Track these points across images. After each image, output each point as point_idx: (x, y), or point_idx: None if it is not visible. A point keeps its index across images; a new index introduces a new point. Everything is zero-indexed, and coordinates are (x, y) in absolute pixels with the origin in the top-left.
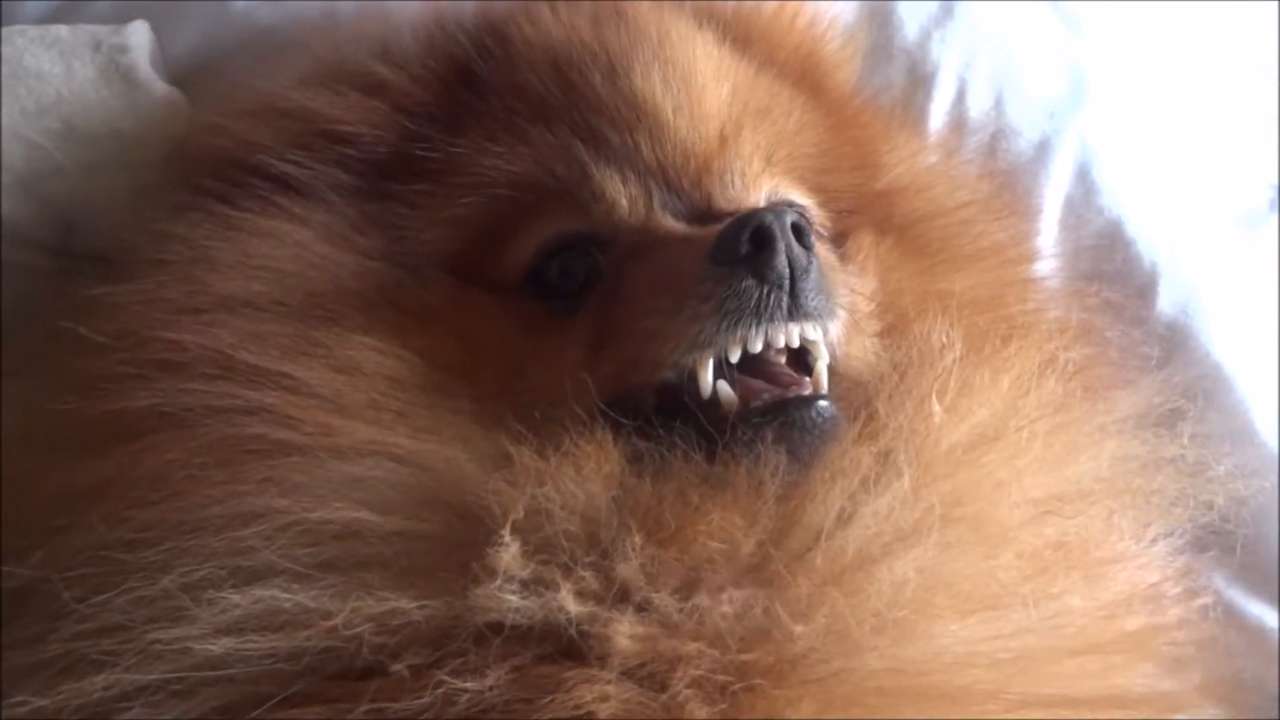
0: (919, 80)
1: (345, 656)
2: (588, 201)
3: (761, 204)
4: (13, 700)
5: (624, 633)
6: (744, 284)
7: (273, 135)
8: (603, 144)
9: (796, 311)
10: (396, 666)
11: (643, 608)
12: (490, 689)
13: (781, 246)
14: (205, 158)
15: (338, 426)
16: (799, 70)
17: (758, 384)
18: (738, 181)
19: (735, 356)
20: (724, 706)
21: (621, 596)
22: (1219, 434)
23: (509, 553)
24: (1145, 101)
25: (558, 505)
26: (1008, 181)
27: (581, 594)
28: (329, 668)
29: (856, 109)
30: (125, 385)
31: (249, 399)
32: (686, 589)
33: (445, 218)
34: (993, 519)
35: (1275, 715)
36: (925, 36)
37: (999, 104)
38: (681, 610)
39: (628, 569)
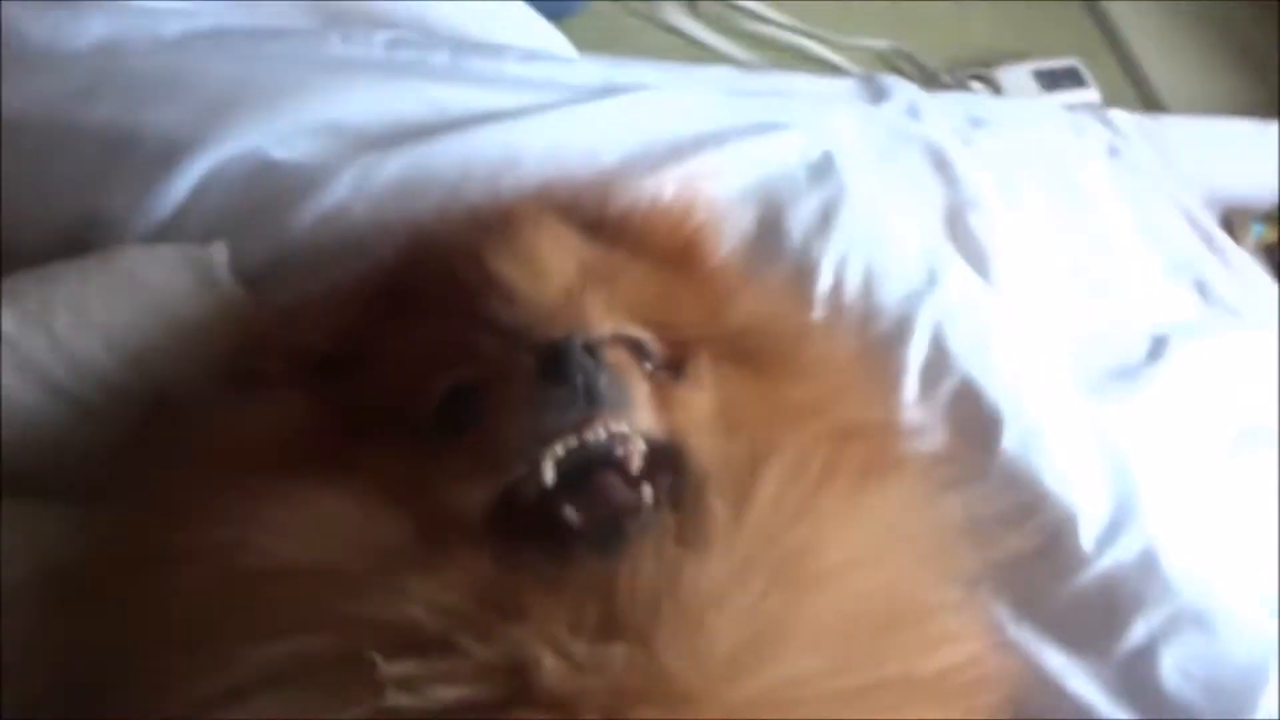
0: (804, 273)
1: None
2: (470, 357)
3: (606, 339)
4: None
5: (548, 674)
6: (550, 390)
7: (262, 349)
8: (474, 314)
9: (594, 403)
10: None
11: (552, 657)
12: None
13: (573, 359)
14: (226, 359)
15: (290, 551)
16: (659, 251)
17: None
18: (583, 326)
19: (560, 449)
20: None
21: (514, 665)
22: (1042, 544)
23: (384, 665)
24: (1020, 269)
25: (421, 612)
26: (875, 349)
27: (456, 680)
28: None
29: (705, 274)
30: (162, 524)
31: (232, 535)
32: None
33: (377, 388)
34: (804, 573)
35: None
36: (808, 242)
37: (868, 290)
38: (590, 654)
39: (507, 645)
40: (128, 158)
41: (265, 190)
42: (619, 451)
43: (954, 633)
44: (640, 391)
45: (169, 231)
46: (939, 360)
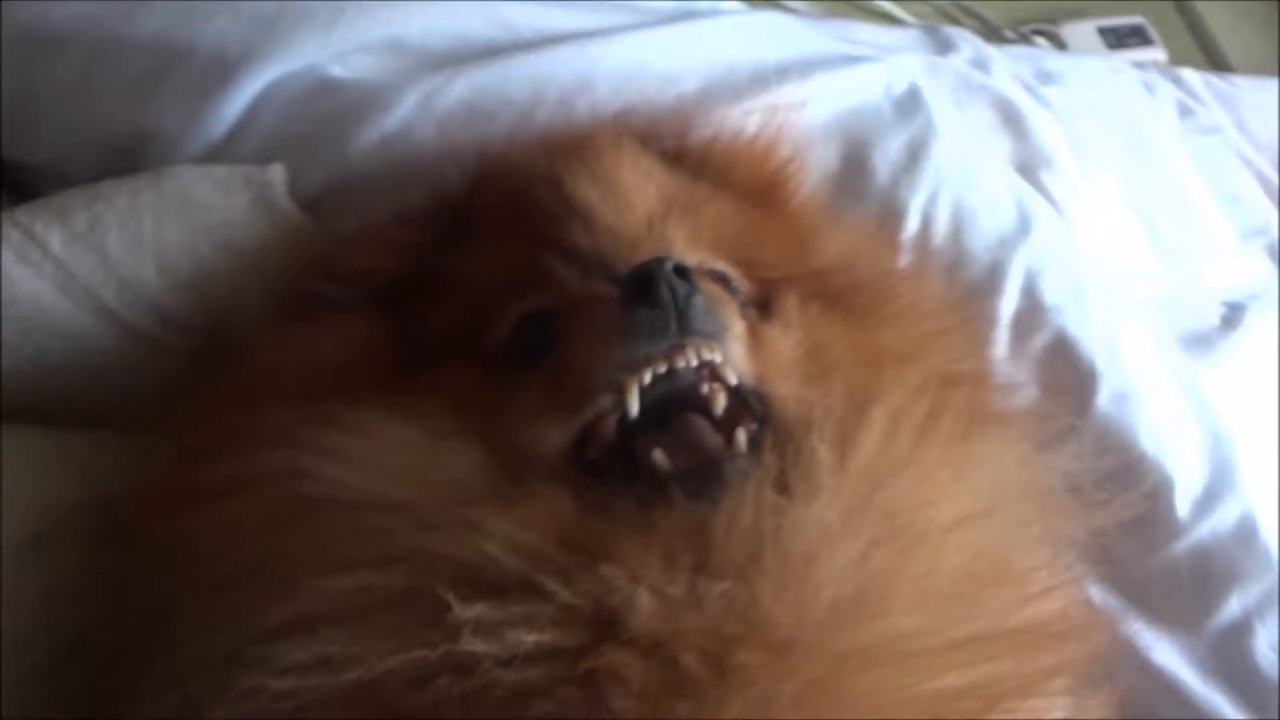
0: (890, 216)
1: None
2: (544, 284)
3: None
4: None
5: (641, 615)
6: (638, 313)
7: (328, 272)
8: (551, 239)
9: (686, 331)
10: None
11: (651, 593)
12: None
13: (663, 280)
14: (287, 284)
15: (358, 482)
16: (742, 186)
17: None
18: (668, 254)
19: (648, 378)
20: (722, 679)
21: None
22: (1139, 510)
23: (461, 608)
24: (1096, 225)
25: (499, 551)
26: (966, 297)
27: (536, 624)
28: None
29: (790, 211)
30: (219, 453)
31: (297, 463)
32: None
33: (446, 315)
34: (912, 528)
35: None
36: (895, 181)
37: (957, 233)
38: (687, 593)
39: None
40: (179, 72)
41: (324, 110)
42: (705, 389)
43: (1047, 588)
44: (735, 323)
45: (223, 153)
46: (1031, 312)
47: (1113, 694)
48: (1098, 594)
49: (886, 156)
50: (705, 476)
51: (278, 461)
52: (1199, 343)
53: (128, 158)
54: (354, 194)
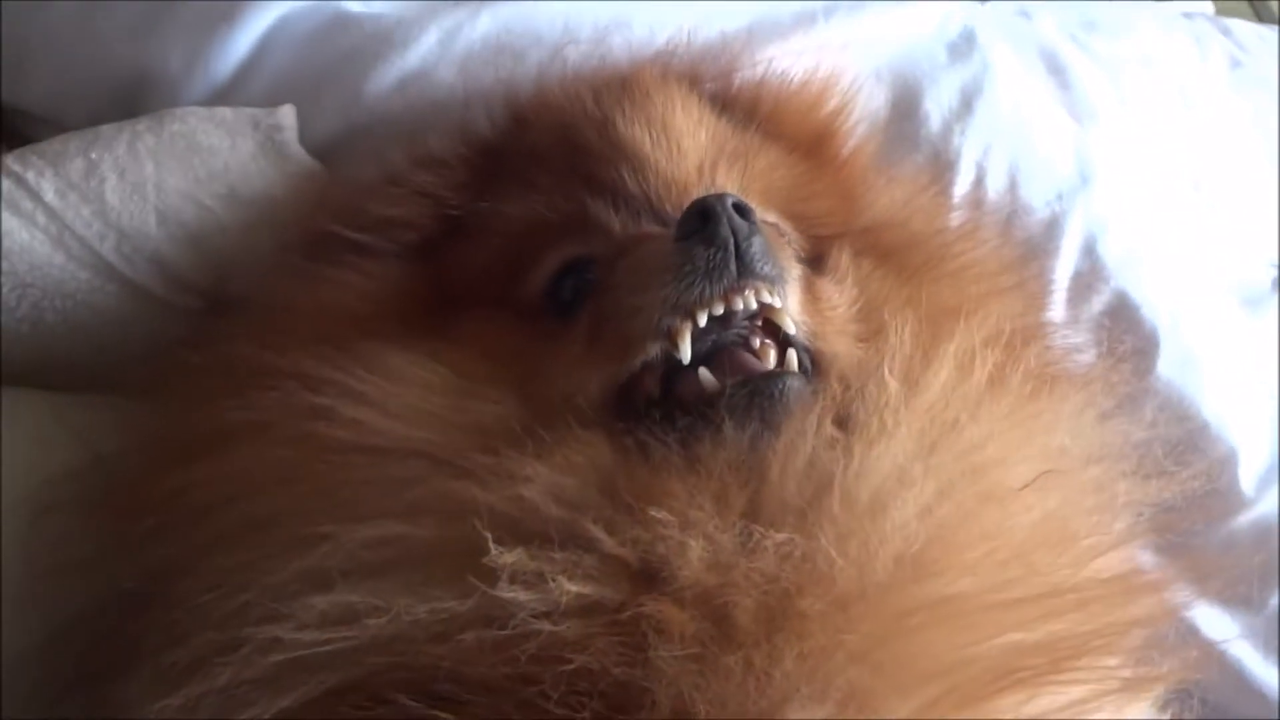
0: (942, 166)
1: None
2: (587, 230)
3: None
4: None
5: (692, 565)
6: (695, 250)
7: (350, 218)
8: (596, 182)
9: (745, 273)
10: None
11: (705, 542)
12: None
13: (724, 216)
14: (301, 230)
15: (383, 427)
16: (791, 134)
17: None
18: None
19: (703, 319)
20: (775, 632)
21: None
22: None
23: (498, 554)
24: (1147, 182)
25: (538, 498)
26: (1022, 254)
27: (579, 574)
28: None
29: (843, 160)
30: (225, 401)
31: (316, 403)
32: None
33: (478, 260)
34: (980, 485)
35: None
36: (947, 129)
37: (1013, 187)
38: (741, 542)
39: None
40: (182, 8)
41: (338, 48)
42: (755, 343)
43: (1109, 550)
44: (794, 269)
45: (229, 95)
46: (1091, 270)
47: (1172, 664)
48: (1157, 565)
49: (939, 102)
50: (756, 393)
51: (295, 403)
52: (1249, 304)
53: (128, 102)
54: (369, 139)
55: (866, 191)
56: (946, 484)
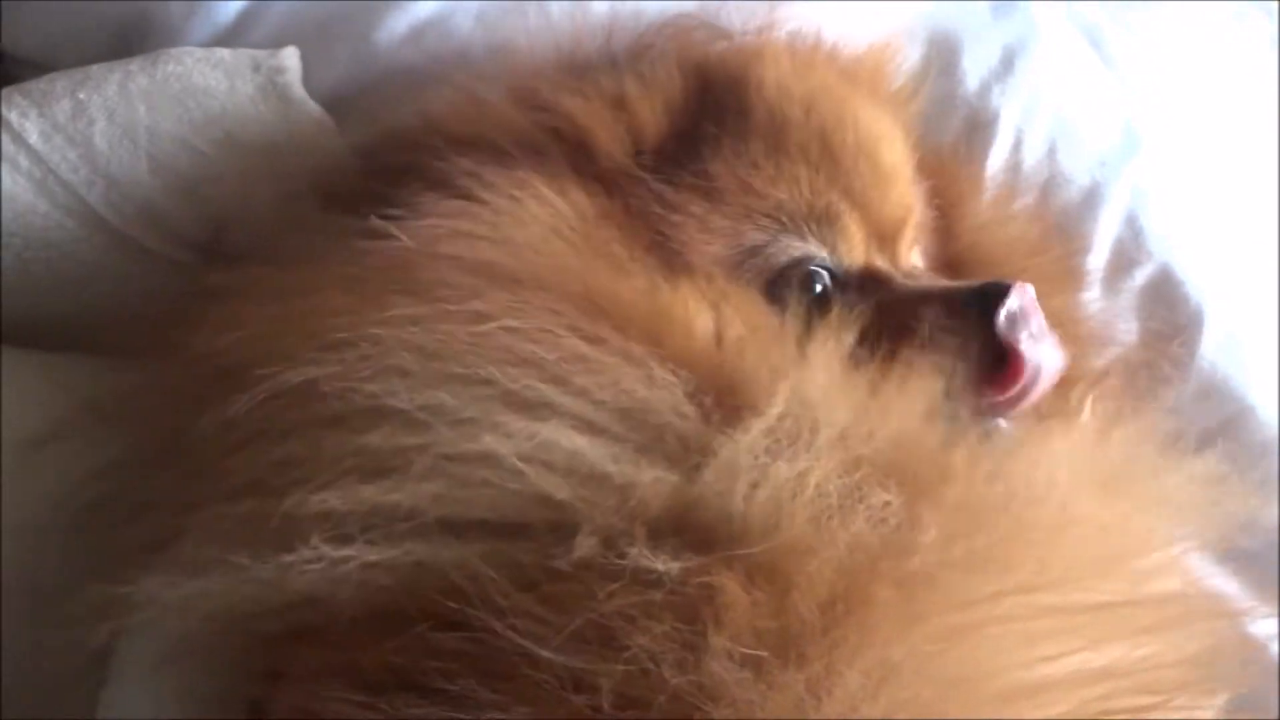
0: (978, 128)
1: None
2: (833, 236)
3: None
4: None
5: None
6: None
7: (529, 122)
8: (849, 195)
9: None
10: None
11: None
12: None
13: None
14: (461, 135)
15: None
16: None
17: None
18: (904, 251)
19: None
20: (837, 627)
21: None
22: (1245, 468)
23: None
24: (1196, 154)
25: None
26: (1052, 223)
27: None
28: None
29: (962, 191)
30: (444, 263)
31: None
32: None
33: (713, 226)
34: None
35: None
36: (986, 89)
37: (1052, 152)
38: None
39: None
40: None
41: None
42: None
43: (1162, 568)
44: None
45: (232, 41)
46: (1133, 241)
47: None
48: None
49: (978, 61)
50: None
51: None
52: None
53: (128, 47)
54: (382, 92)
55: (961, 218)
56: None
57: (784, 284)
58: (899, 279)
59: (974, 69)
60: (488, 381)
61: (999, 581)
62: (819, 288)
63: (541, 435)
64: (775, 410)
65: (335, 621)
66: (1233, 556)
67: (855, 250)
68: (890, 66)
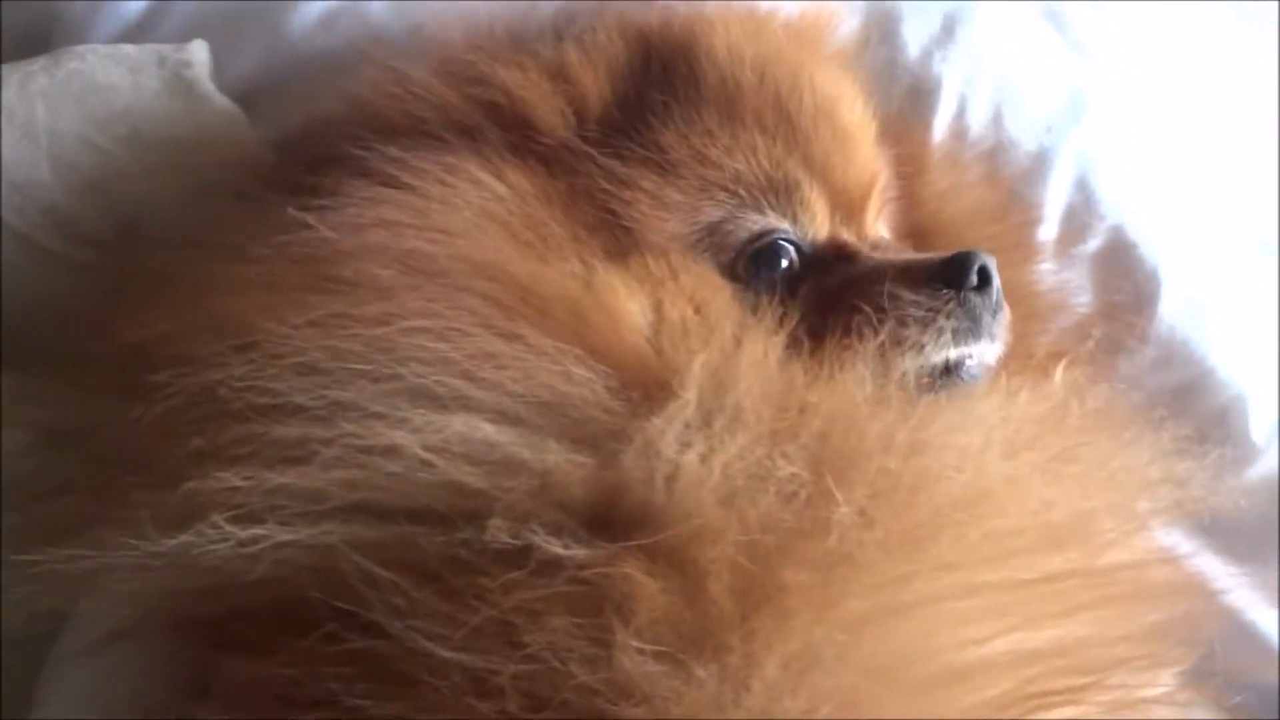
0: (921, 96)
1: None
2: (793, 208)
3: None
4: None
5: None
6: (977, 309)
7: (461, 98)
8: (809, 163)
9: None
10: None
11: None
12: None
13: (996, 282)
14: (388, 119)
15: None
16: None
17: None
18: (870, 221)
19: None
20: (755, 614)
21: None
22: (1209, 433)
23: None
24: (1146, 116)
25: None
26: (1009, 190)
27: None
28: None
29: (919, 159)
30: (365, 255)
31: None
32: None
33: (668, 201)
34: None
35: (1274, 715)
36: (927, 56)
37: (998, 119)
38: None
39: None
40: None
41: None
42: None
43: (1113, 541)
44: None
45: (140, 36)
46: (1085, 206)
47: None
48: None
49: (918, 28)
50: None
51: None
52: (1266, 250)
53: (32, 50)
54: (299, 80)
55: (924, 187)
56: (991, 452)
57: (745, 261)
58: (865, 252)
59: (914, 37)
60: (396, 378)
61: (921, 560)
62: (784, 263)
63: (452, 427)
64: (690, 395)
65: (253, 621)
66: (1213, 527)
67: (819, 222)
68: (833, 30)
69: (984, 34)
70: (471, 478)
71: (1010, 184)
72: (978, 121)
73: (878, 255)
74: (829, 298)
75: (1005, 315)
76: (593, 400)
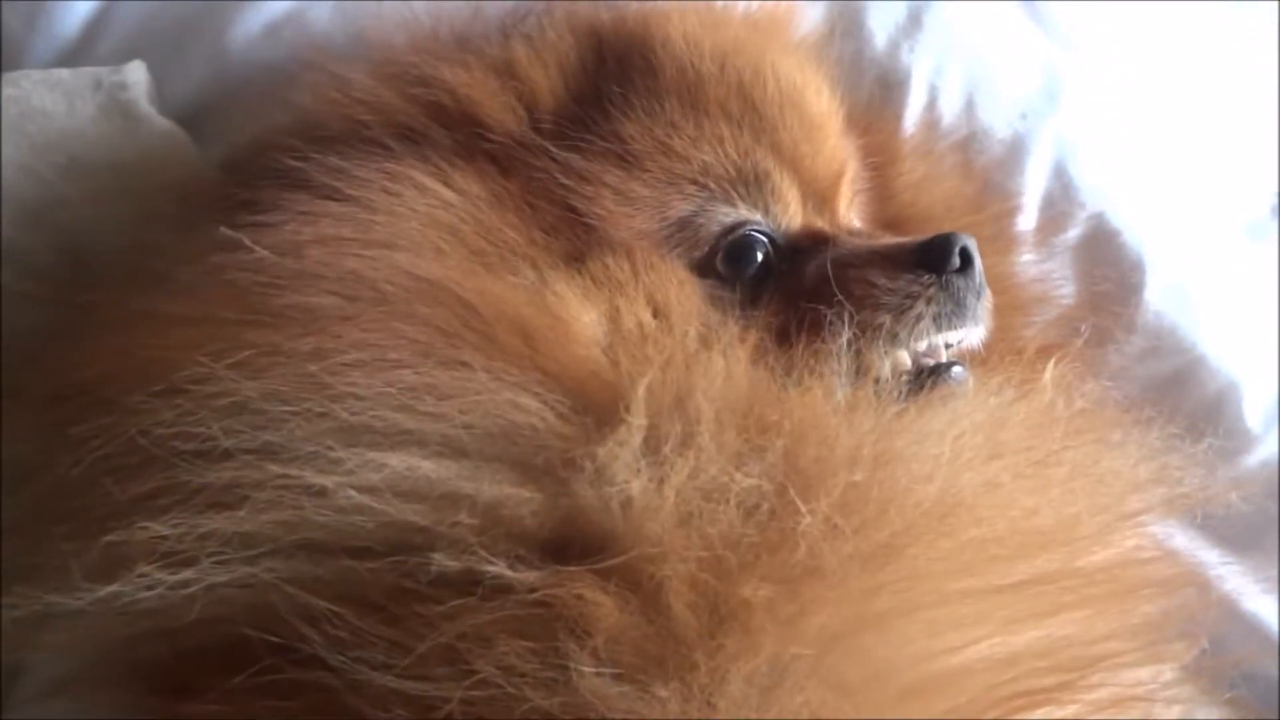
0: (891, 88)
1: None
2: (765, 198)
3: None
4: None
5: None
6: (961, 291)
7: (404, 101)
8: (778, 152)
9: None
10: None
11: None
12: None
13: (978, 264)
14: (328, 127)
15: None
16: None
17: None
18: (842, 210)
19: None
20: (721, 630)
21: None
22: (1201, 422)
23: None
24: (1125, 102)
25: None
26: (985, 179)
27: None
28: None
29: (890, 148)
30: (301, 283)
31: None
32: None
33: (634, 196)
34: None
35: (1275, 705)
36: (894, 47)
37: (970, 107)
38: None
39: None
40: None
41: None
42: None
43: (1096, 541)
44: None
45: (80, 55)
46: (1064, 193)
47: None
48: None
49: (883, 18)
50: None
51: None
52: (1251, 233)
53: None
54: (244, 93)
55: (897, 177)
56: (964, 460)
57: (720, 256)
58: (843, 237)
59: (881, 27)
60: (331, 416)
61: (893, 571)
62: (759, 255)
63: (390, 465)
64: (638, 420)
65: (194, 663)
66: (1210, 518)
67: (791, 212)
68: (793, 23)
69: (953, 21)
70: (414, 515)
71: (986, 173)
72: (950, 110)
73: (856, 240)
74: (807, 288)
75: (989, 298)
76: (542, 428)
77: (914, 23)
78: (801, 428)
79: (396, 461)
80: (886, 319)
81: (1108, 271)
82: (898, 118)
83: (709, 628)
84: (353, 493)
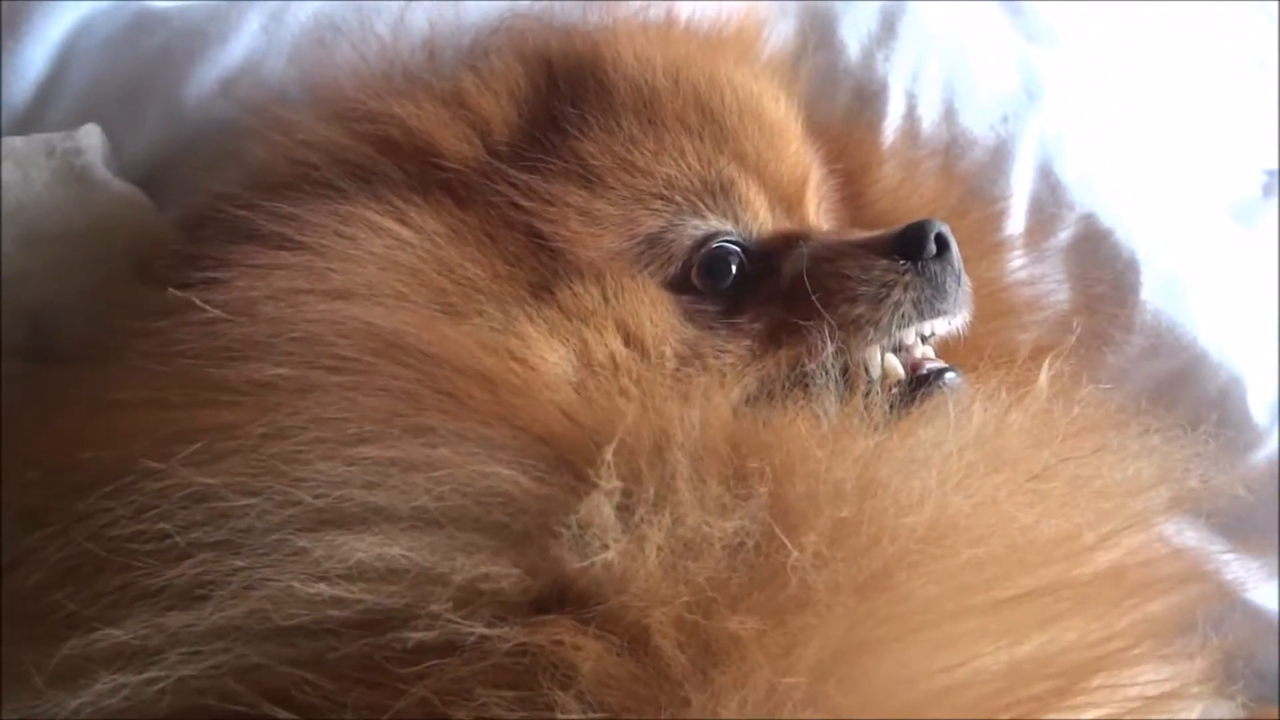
0: (867, 99)
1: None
2: (733, 207)
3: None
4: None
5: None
6: (939, 276)
7: (352, 140)
8: (742, 160)
9: (959, 302)
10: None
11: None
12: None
13: (955, 249)
14: (273, 167)
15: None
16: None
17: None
18: (811, 214)
19: (927, 333)
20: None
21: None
22: (1206, 418)
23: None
24: (1106, 94)
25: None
26: (966, 185)
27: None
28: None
29: (863, 155)
30: (255, 352)
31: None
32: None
33: (600, 215)
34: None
35: (1276, 697)
36: (869, 57)
37: (950, 114)
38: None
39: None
40: None
41: (146, 50)
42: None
43: (1095, 547)
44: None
45: (36, 119)
46: (1051, 196)
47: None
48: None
49: (855, 27)
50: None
51: None
52: (1240, 216)
53: None
54: (201, 149)
55: (870, 183)
56: (955, 482)
57: (696, 270)
58: (816, 233)
59: (852, 37)
60: (294, 502)
61: (886, 596)
62: (734, 267)
63: (360, 551)
64: (611, 484)
65: None
66: (1219, 514)
67: (761, 218)
68: (756, 35)
69: (927, 25)
70: (389, 598)
71: (969, 178)
72: (929, 118)
73: (830, 236)
74: (785, 287)
75: (968, 284)
76: (516, 493)
77: (887, 30)
78: (786, 465)
79: (367, 546)
80: (864, 309)
81: (1102, 273)
82: (873, 126)
83: (700, 664)
84: (322, 586)
